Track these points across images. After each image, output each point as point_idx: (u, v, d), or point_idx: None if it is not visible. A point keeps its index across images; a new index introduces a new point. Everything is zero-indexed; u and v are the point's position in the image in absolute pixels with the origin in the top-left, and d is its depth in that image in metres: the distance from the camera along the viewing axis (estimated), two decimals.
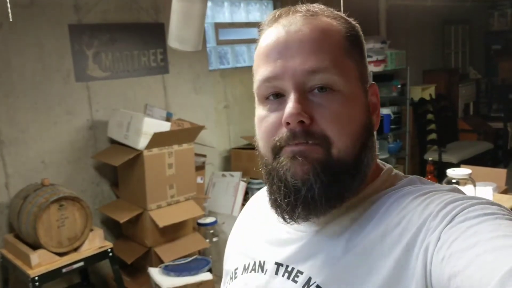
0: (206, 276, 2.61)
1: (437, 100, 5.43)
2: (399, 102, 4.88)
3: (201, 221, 3.22)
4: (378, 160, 0.71)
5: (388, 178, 0.67)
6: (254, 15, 4.12)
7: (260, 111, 0.65)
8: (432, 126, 5.17)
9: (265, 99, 0.64)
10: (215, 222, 3.25)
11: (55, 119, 2.88)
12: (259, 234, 0.74)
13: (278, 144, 0.61)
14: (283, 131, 0.61)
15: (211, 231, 3.26)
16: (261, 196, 0.80)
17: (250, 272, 0.70)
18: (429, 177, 2.29)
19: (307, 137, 0.60)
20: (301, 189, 0.60)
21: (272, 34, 0.63)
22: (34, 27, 2.76)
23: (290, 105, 0.59)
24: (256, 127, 0.66)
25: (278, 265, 0.66)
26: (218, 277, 3.21)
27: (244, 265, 0.73)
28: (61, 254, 2.46)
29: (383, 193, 0.64)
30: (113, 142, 3.06)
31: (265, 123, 0.63)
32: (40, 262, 2.38)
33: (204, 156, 3.47)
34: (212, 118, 3.72)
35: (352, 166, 0.61)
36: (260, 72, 0.63)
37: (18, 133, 2.74)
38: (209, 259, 2.80)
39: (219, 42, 3.83)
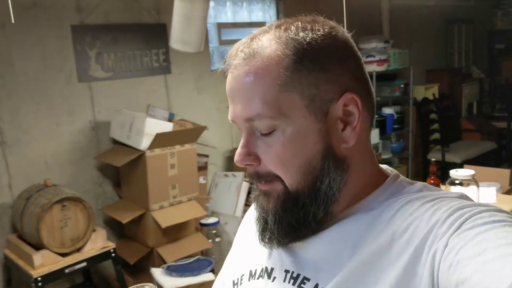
0: (208, 276, 2.61)
1: (440, 100, 5.42)
2: (402, 102, 4.87)
3: (204, 221, 3.22)
4: (383, 166, 0.71)
5: (393, 184, 0.67)
6: (257, 14, 4.11)
7: None
8: (435, 125, 5.16)
9: None
10: (218, 222, 3.24)
11: (57, 119, 2.88)
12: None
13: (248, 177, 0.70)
14: None
15: (214, 231, 3.25)
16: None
17: (258, 278, 0.71)
18: (432, 178, 2.29)
19: (259, 178, 0.66)
20: (267, 220, 0.67)
21: (227, 80, 0.66)
22: (36, 28, 2.76)
23: (237, 150, 0.65)
24: None
25: (286, 272, 0.67)
26: None
27: (251, 271, 0.73)
28: (63, 255, 2.46)
29: (388, 199, 0.64)
30: (115, 142, 3.06)
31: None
32: (43, 263, 2.39)
33: (207, 156, 3.47)
34: (214, 118, 3.72)
35: (307, 195, 0.64)
36: None
37: (20, 133, 2.74)
38: (211, 259, 2.79)
39: (222, 42, 3.83)
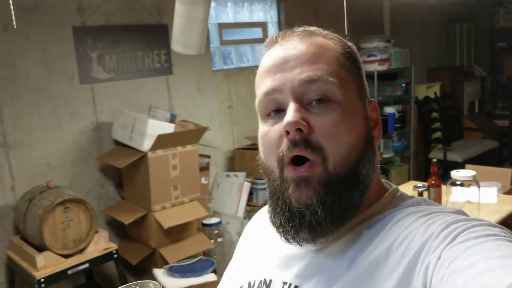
0: (210, 277, 2.62)
1: (442, 99, 5.41)
2: (404, 101, 4.87)
3: (206, 221, 3.22)
4: (383, 181, 0.72)
5: (392, 198, 0.68)
6: (258, 15, 4.11)
7: (262, 127, 0.67)
8: (437, 124, 5.16)
9: (266, 116, 0.66)
10: (220, 222, 3.25)
11: (59, 121, 2.89)
12: (264, 251, 0.75)
13: (281, 155, 0.63)
14: (285, 142, 0.62)
15: (216, 232, 3.26)
16: (264, 213, 0.79)
17: None
18: (434, 178, 2.29)
19: (306, 146, 0.61)
20: (305, 213, 0.61)
21: (270, 54, 0.66)
22: (38, 30, 2.77)
23: (289, 113, 0.61)
24: (259, 144, 0.68)
25: (284, 283, 0.67)
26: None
27: (249, 283, 0.72)
28: (66, 256, 2.48)
29: (387, 212, 0.65)
30: (117, 143, 3.07)
31: (267, 137, 0.65)
32: (46, 264, 2.40)
33: (208, 156, 3.48)
34: (216, 118, 3.73)
35: (350, 178, 0.62)
36: (261, 87, 0.66)
37: (23, 135, 2.75)
38: (213, 260, 2.81)
39: (223, 43, 3.84)
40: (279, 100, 0.64)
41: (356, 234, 0.64)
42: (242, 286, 0.73)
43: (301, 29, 0.68)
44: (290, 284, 0.66)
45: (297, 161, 0.62)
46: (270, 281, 0.69)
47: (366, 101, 0.68)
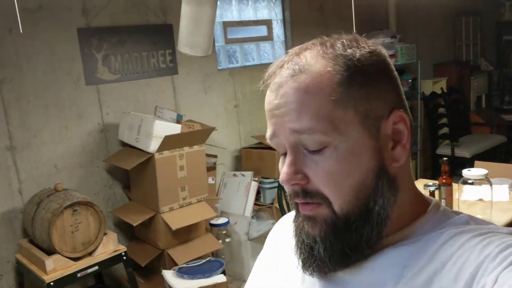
0: (220, 278, 2.61)
1: (449, 94, 5.37)
2: (410, 97, 4.84)
3: (214, 221, 3.21)
4: (422, 193, 0.69)
5: (437, 214, 0.65)
6: (262, 12, 4.09)
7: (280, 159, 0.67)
8: (444, 120, 5.12)
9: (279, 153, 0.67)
10: (228, 222, 3.24)
11: (66, 123, 2.88)
12: (291, 268, 0.71)
13: (289, 196, 0.65)
14: None
15: (224, 232, 3.25)
16: (287, 224, 0.78)
17: None
18: (444, 177, 2.26)
19: (306, 196, 0.61)
20: (313, 247, 0.62)
21: (267, 97, 0.64)
22: (43, 32, 2.76)
23: (283, 169, 0.62)
24: None
25: None
26: (231, 278, 3.21)
27: None
28: (75, 259, 2.47)
29: (432, 230, 0.62)
30: (124, 144, 3.06)
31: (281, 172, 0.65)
32: (55, 268, 2.39)
33: (215, 156, 3.46)
34: (222, 117, 3.71)
35: (359, 218, 0.60)
36: (267, 129, 0.66)
37: (30, 138, 2.75)
38: (222, 260, 2.79)
39: (228, 41, 3.82)
40: (280, 144, 0.63)
41: (398, 250, 0.61)
42: None
43: (293, 61, 0.62)
44: None
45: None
46: None
47: (381, 122, 0.61)
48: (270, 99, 0.62)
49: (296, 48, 0.64)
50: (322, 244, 0.61)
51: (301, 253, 0.64)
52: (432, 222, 0.63)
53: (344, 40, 0.63)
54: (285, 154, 0.64)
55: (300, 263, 0.64)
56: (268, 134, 0.64)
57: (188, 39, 1.89)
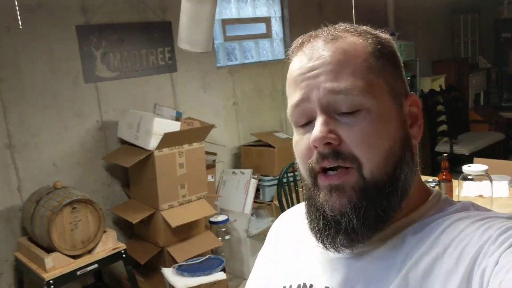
0: (219, 275, 2.60)
1: (448, 91, 5.38)
2: None
3: (213, 219, 3.21)
4: (425, 183, 0.70)
5: (438, 202, 0.66)
6: (261, 10, 4.08)
7: (295, 136, 0.67)
8: (443, 117, 5.12)
9: (298, 125, 0.66)
10: (227, 220, 3.24)
11: (65, 121, 2.88)
12: (297, 255, 0.72)
13: (311, 166, 0.63)
14: (315, 153, 0.62)
15: (223, 229, 3.25)
16: (296, 213, 0.79)
17: None
18: (444, 173, 2.26)
19: (337, 158, 0.60)
20: (341, 221, 0.61)
21: (297, 62, 0.65)
22: (42, 30, 2.75)
23: (316, 128, 0.60)
24: (294, 152, 0.67)
25: None
26: (231, 275, 3.21)
27: (284, 287, 0.70)
28: (75, 257, 2.46)
29: (434, 217, 0.63)
30: (123, 142, 3.06)
31: (298, 147, 0.65)
32: (55, 266, 2.39)
33: (214, 154, 3.46)
34: (221, 115, 3.70)
35: (388, 184, 0.61)
36: (291, 98, 0.65)
37: (29, 137, 2.74)
38: (222, 258, 2.79)
39: (227, 39, 3.81)
40: (307, 110, 0.63)
41: (401, 238, 0.62)
42: None
43: (325, 32, 0.65)
44: None
45: (329, 169, 0.62)
46: (311, 286, 0.67)
47: (402, 99, 0.65)
48: (302, 63, 0.63)
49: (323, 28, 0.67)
50: (355, 212, 0.59)
51: (325, 230, 0.62)
52: (434, 210, 0.64)
53: (364, 27, 0.67)
54: (304, 125, 0.64)
55: (325, 241, 0.63)
56: (295, 99, 0.63)
57: (188, 35, 1.88)
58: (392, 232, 0.63)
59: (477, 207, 0.64)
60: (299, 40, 0.66)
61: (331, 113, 0.61)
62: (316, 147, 0.61)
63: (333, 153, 0.60)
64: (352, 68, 0.60)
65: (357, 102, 0.60)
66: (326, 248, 0.64)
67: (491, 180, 2.07)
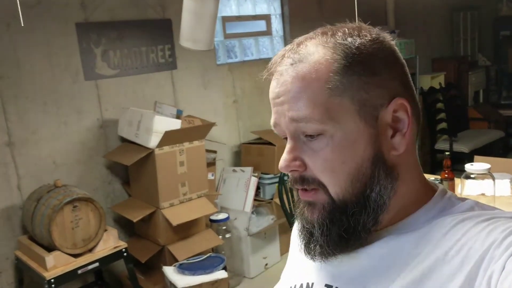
0: (221, 274, 2.60)
1: (447, 89, 5.37)
2: None
3: (214, 217, 3.20)
4: (429, 180, 0.69)
5: (442, 200, 0.65)
6: (261, 7, 4.06)
7: None
8: (442, 115, 5.12)
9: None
10: (228, 218, 3.23)
11: (65, 119, 2.86)
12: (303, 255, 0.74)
13: (290, 182, 0.67)
14: None
15: (224, 228, 3.24)
16: None
17: None
18: (446, 172, 2.26)
19: (303, 183, 0.64)
20: (313, 232, 0.65)
21: (271, 85, 0.66)
22: (41, 27, 2.73)
23: (283, 156, 0.64)
24: None
25: (327, 286, 0.66)
26: (231, 273, 3.20)
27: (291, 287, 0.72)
28: (76, 256, 2.45)
29: (437, 217, 0.62)
30: (123, 140, 3.04)
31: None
32: (56, 264, 2.38)
33: (215, 152, 3.45)
34: (221, 113, 3.69)
35: (355, 204, 0.62)
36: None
37: (28, 134, 2.72)
38: (223, 256, 2.78)
39: (226, 36, 3.79)
40: (282, 132, 0.66)
41: (403, 237, 0.62)
42: None
43: (295, 47, 0.64)
44: (337, 287, 0.65)
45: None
46: (312, 284, 0.69)
47: (380, 110, 0.61)
48: (273, 87, 0.64)
49: (300, 38, 0.65)
50: (319, 228, 0.63)
51: (303, 239, 0.66)
52: (437, 209, 0.63)
53: (346, 29, 0.63)
54: (286, 138, 0.66)
55: (303, 247, 0.67)
56: (271, 122, 0.66)
57: (190, 33, 1.87)
58: (393, 232, 0.63)
59: (481, 206, 0.63)
60: (273, 58, 0.66)
61: (298, 137, 0.63)
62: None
63: (299, 178, 0.64)
64: (311, 95, 0.60)
65: (318, 128, 0.60)
66: (305, 255, 0.67)
67: (493, 179, 2.07)
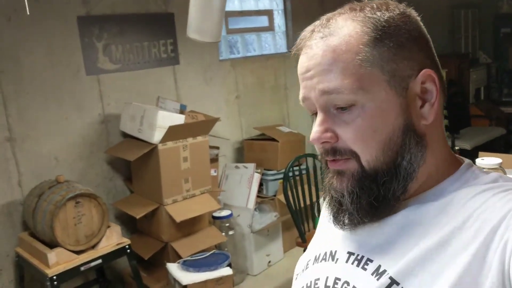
0: (226, 271, 2.56)
1: (448, 86, 5.34)
2: None
3: (216, 214, 3.17)
4: (454, 154, 0.71)
5: (466, 172, 0.67)
6: (264, 2, 4.03)
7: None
8: (444, 112, 5.08)
9: (310, 114, 0.70)
10: (231, 215, 3.20)
11: (66, 114, 2.82)
12: (329, 225, 0.75)
13: (320, 154, 0.68)
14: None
15: (227, 224, 3.20)
16: None
17: (321, 261, 0.72)
18: None
19: (335, 154, 0.65)
20: (342, 202, 0.66)
21: (300, 61, 0.67)
22: (42, 21, 2.68)
23: (314, 128, 0.65)
24: None
25: (350, 254, 0.68)
26: (235, 270, 3.17)
27: (315, 256, 0.74)
28: (78, 252, 2.41)
29: (460, 188, 0.64)
30: (125, 135, 3.00)
31: (311, 134, 0.68)
32: (58, 261, 2.33)
33: (217, 148, 3.41)
34: (223, 109, 3.65)
35: (386, 173, 0.63)
36: (299, 92, 0.69)
37: (29, 130, 2.67)
38: (228, 253, 2.75)
39: (229, 31, 3.76)
40: (311, 106, 0.67)
41: (425, 206, 0.64)
42: (309, 260, 0.75)
43: (324, 22, 0.65)
44: (357, 255, 0.67)
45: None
46: (335, 252, 0.70)
47: (408, 80, 0.63)
48: (302, 62, 0.66)
49: (328, 14, 0.67)
50: (349, 196, 0.64)
51: (331, 208, 0.68)
52: (461, 181, 0.65)
53: (374, 4, 0.65)
54: (316, 114, 0.67)
55: (331, 217, 0.68)
56: (300, 96, 0.67)
57: (198, 25, 1.83)
58: (418, 202, 0.64)
59: (505, 178, 0.64)
60: (299, 40, 0.67)
61: (329, 110, 0.64)
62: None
63: (331, 150, 0.65)
64: (342, 66, 0.61)
65: (350, 99, 0.61)
66: (334, 225, 0.68)
67: (505, 173, 2.04)
